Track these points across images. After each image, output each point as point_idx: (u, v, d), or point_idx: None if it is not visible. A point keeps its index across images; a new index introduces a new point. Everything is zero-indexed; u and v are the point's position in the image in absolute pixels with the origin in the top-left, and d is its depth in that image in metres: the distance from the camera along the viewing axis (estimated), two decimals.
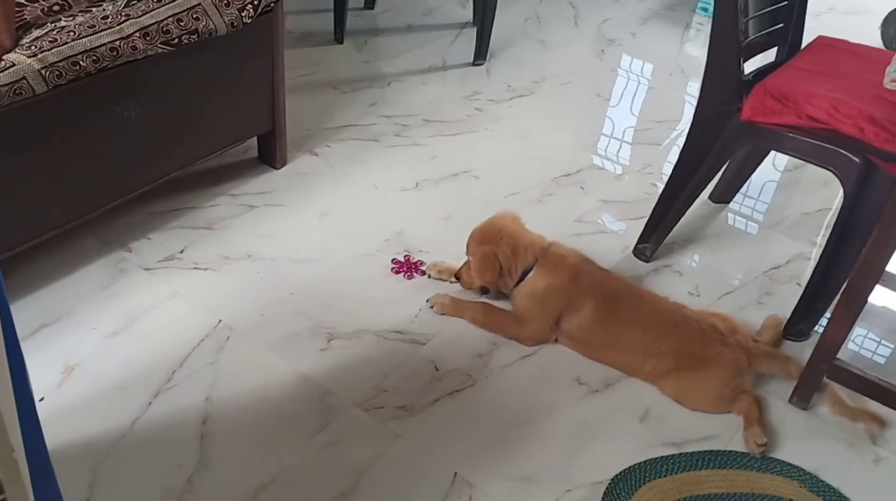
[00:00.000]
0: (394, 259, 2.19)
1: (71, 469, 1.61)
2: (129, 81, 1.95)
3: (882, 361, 2.08)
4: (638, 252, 2.31)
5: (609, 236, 2.39)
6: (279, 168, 2.51)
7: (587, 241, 2.34)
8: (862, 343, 2.12)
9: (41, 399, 1.73)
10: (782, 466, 1.75)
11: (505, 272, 2.00)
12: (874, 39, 3.46)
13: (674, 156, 2.31)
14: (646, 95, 3.19)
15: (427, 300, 2.06)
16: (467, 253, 2.05)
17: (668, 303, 2.01)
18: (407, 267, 2.17)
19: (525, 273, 2.01)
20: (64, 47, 1.80)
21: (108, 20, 1.90)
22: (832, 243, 1.99)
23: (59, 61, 1.79)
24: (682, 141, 2.19)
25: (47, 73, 1.77)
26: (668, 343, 1.90)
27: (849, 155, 1.87)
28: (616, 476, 1.69)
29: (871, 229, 1.64)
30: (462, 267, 2.07)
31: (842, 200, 1.94)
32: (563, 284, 1.97)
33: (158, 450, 1.68)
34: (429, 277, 2.14)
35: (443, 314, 2.04)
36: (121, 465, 1.64)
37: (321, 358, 1.91)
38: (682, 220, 2.28)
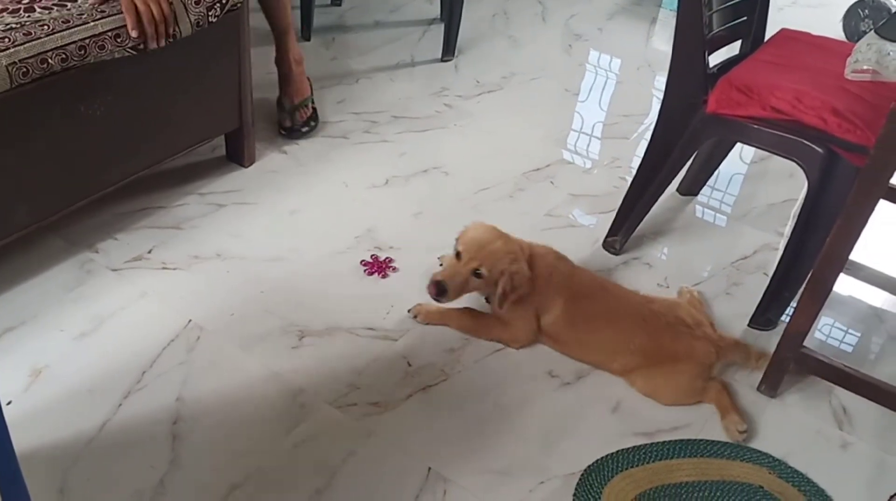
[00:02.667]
0: (363, 261, 2.18)
1: (40, 473, 1.59)
2: (93, 80, 1.92)
3: (848, 349, 2.12)
4: (607, 245, 2.33)
5: (579, 230, 2.41)
6: (248, 166, 2.50)
7: (557, 235, 2.36)
8: (828, 332, 2.15)
9: (8, 403, 1.70)
10: (752, 453, 1.77)
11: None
12: (836, 32, 3.52)
13: (642, 149, 2.33)
14: (613, 89, 3.21)
15: (409, 311, 2.04)
16: (475, 268, 1.91)
17: (636, 298, 2.02)
18: (378, 267, 2.16)
19: None
20: (36, 43, 1.77)
21: (84, 16, 1.86)
22: (797, 233, 2.02)
23: (29, 58, 1.75)
24: (649, 134, 2.21)
25: (14, 69, 1.73)
26: (636, 340, 1.90)
27: (812, 146, 1.89)
28: (589, 466, 1.71)
29: (835, 219, 1.67)
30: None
31: (806, 190, 1.97)
32: (538, 283, 1.96)
33: (129, 452, 1.66)
34: (414, 317, 2.03)
35: (427, 324, 2.01)
36: (91, 468, 1.62)
37: (293, 356, 1.90)
38: (651, 213, 2.30)
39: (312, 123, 2.67)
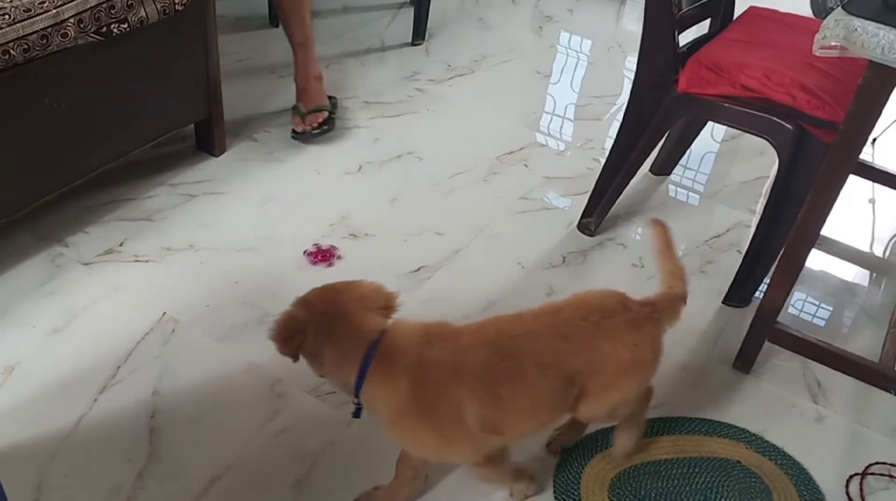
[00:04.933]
0: (307, 251, 2.16)
1: (16, 471, 1.57)
2: (58, 71, 1.89)
3: (821, 323, 2.14)
4: (582, 227, 2.33)
5: (554, 213, 2.41)
6: (218, 155, 2.47)
7: (532, 218, 2.36)
8: (801, 307, 2.18)
9: None
10: (729, 429, 1.79)
11: (308, 354, 1.42)
12: (804, 9, 3.53)
13: (615, 130, 2.34)
14: (585, 70, 3.21)
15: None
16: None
17: (540, 314, 1.50)
18: (323, 255, 2.15)
19: (364, 371, 1.37)
20: None
21: (45, 4, 1.82)
22: (769, 210, 2.04)
23: None
24: (622, 115, 2.21)
25: None
26: (572, 362, 1.44)
27: (782, 123, 1.91)
28: (568, 448, 1.72)
29: (806, 195, 1.68)
30: None
31: (777, 167, 1.98)
32: (414, 387, 1.37)
33: (106, 447, 1.64)
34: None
35: None
36: (68, 464, 1.60)
37: (270, 346, 1.88)
38: (625, 193, 2.31)
39: (325, 127, 2.55)
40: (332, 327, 1.39)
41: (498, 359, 1.40)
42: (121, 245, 2.12)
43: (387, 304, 1.45)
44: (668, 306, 1.54)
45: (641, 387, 1.57)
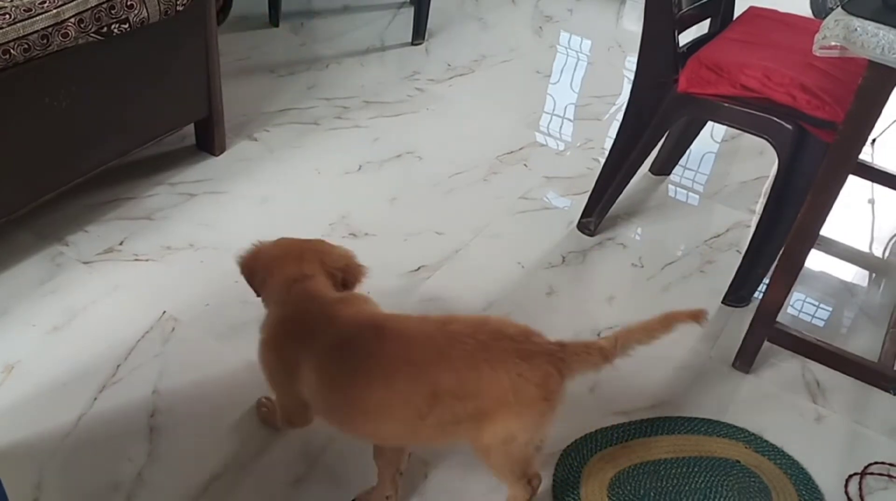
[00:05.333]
0: None
1: (16, 469, 1.57)
2: (58, 70, 1.89)
3: (820, 323, 2.14)
4: (582, 227, 2.33)
5: (553, 213, 2.41)
6: (218, 155, 2.47)
7: (532, 218, 2.37)
8: (801, 307, 2.18)
9: None
10: (728, 429, 1.79)
11: (257, 285, 1.57)
12: (804, 9, 3.54)
13: (614, 130, 2.34)
14: (585, 70, 3.21)
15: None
16: None
17: (427, 324, 1.43)
18: None
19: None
20: None
21: (46, 4, 1.82)
22: (769, 210, 2.04)
23: None
24: (621, 115, 2.21)
25: None
26: (437, 381, 1.33)
27: (782, 123, 1.91)
28: (568, 446, 1.72)
29: (805, 195, 1.68)
30: None
31: (777, 167, 1.98)
32: (277, 332, 1.46)
33: (106, 446, 1.64)
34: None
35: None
36: (68, 463, 1.60)
37: None
38: (624, 193, 2.31)
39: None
40: (272, 265, 1.52)
41: (351, 347, 1.38)
42: (121, 244, 2.12)
43: (346, 267, 1.54)
44: (581, 352, 1.38)
45: (528, 435, 1.38)
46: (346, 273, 1.55)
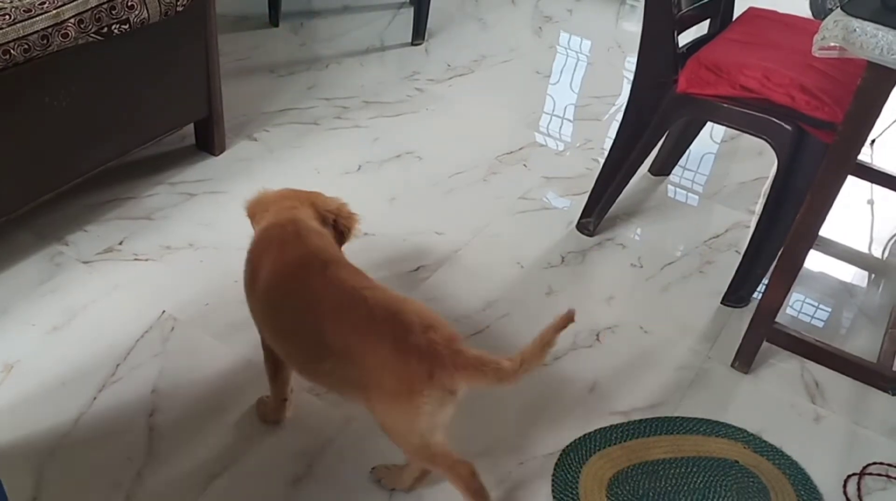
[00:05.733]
0: None
1: (15, 469, 1.57)
2: (58, 70, 1.89)
3: (819, 324, 2.15)
4: (581, 227, 2.33)
5: (553, 213, 2.41)
6: (218, 155, 2.47)
7: (531, 218, 2.37)
8: (800, 307, 2.18)
9: None
10: (727, 429, 1.79)
11: (256, 222, 1.69)
12: (803, 9, 3.54)
13: (614, 130, 2.34)
14: (584, 71, 3.21)
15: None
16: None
17: (354, 279, 1.48)
18: None
19: None
20: None
21: (45, 5, 1.82)
22: (768, 210, 2.04)
23: None
24: (621, 115, 2.21)
25: None
26: (329, 335, 1.41)
27: (781, 123, 1.91)
28: (567, 446, 1.72)
29: (804, 196, 1.69)
30: None
31: (776, 168, 1.98)
32: (252, 243, 1.62)
33: (106, 445, 1.64)
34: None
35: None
36: (67, 462, 1.60)
37: None
38: (624, 194, 2.31)
39: None
40: (270, 204, 1.65)
41: (296, 269, 1.50)
42: (120, 244, 2.13)
43: (337, 210, 1.68)
44: (472, 366, 1.34)
45: (397, 423, 1.40)
46: (337, 216, 1.68)
